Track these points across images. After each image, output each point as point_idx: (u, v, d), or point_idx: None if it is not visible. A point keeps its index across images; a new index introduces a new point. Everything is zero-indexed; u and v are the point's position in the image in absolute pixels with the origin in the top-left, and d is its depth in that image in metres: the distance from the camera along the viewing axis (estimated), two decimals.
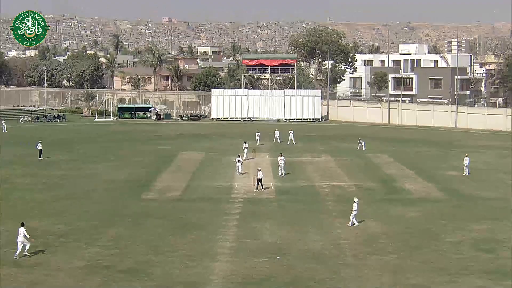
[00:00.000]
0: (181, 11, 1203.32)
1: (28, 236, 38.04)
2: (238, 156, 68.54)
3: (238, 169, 66.20)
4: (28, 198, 54.28)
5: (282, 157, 65.97)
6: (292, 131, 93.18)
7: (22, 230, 38.05)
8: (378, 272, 35.26)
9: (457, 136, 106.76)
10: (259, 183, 57.75)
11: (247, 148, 75.38)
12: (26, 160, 74.91)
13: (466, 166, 66.84)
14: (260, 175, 57.88)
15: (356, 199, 46.37)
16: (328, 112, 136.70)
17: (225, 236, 42.06)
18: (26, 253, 37.68)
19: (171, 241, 40.80)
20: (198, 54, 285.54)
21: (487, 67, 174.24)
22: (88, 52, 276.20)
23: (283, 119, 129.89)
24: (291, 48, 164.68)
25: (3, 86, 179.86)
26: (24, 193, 56.11)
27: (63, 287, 32.78)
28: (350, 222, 45.08)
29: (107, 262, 36.41)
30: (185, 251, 38.61)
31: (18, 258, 37.19)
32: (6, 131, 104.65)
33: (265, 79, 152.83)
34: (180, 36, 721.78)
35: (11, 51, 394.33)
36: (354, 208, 45.32)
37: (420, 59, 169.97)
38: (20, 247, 37.64)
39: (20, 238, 37.85)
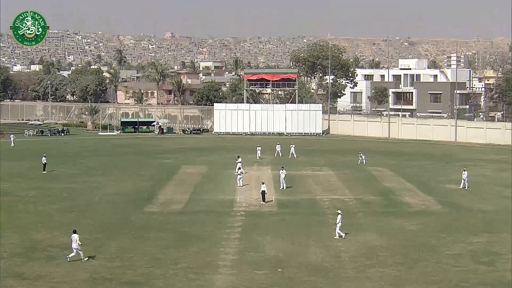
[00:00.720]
0: (183, 26, 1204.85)
1: (80, 243, 38.95)
2: (240, 169, 69.01)
3: (239, 181, 66.48)
4: (32, 210, 54.29)
5: (284, 171, 66.04)
6: (293, 145, 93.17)
7: (75, 237, 39.06)
8: (378, 284, 35.23)
9: (457, 150, 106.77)
10: (263, 195, 57.86)
11: (240, 162, 75.22)
12: (31, 173, 74.98)
13: (465, 179, 66.84)
14: (263, 187, 58.02)
15: (339, 211, 46.50)
16: (329, 126, 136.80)
17: (227, 249, 42.03)
18: (68, 257, 38.82)
19: (173, 254, 40.78)
20: (201, 69, 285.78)
21: (486, 82, 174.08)
22: (92, 67, 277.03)
23: (285, 133, 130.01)
24: (292, 63, 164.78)
25: (8, 100, 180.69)
26: (28, 206, 56.12)
27: None
28: (343, 234, 45.08)
29: (110, 275, 36.40)
30: (187, 264, 38.59)
31: (84, 260, 38.75)
32: (13, 145, 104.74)
33: (267, 93, 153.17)
34: (183, 51, 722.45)
35: (16, 66, 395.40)
36: (338, 220, 45.33)
37: (419, 74, 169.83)
38: (81, 252, 38.91)
39: (75, 245, 38.88)
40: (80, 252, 39.02)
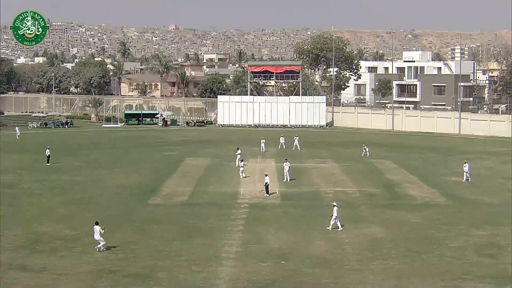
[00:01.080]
0: (187, 18, 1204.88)
1: (103, 231, 39.45)
2: (242, 161, 69.05)
3: (241, 173, 66.57)
4: (36, 203, 54.35)
5: (287, 163, 66.05)
6: (297, 137, 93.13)
7: (97, 228, 39.42)
8: (382, 277, 35.24)
9: (460, 142, 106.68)
10: (267, 188, 57.89)
11: (239, 154, 75.29)
12: (35, 165, 75.05)
13: (466, 172, 66.76)
14: (267, 179, 58.04)
15: (335, 204, 46.57)
16: (332, 119, 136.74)
17: (230, 241, 42.06)
18: (101, 249, 39.42)
19: (177, 246, 40.81)
20: (204, 61, 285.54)
21: (490, 74, 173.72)
22: (95, 59, 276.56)
23: (288, 126, 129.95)
24: (296, 55, 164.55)
25: (11, 92, 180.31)
26: (32, 198, 56.20)
27: None
28: (330, 227, 45.17)
29: (114, 267, 36.44)
30: (191, 256, 38.63)
31: (96, 249, 39.43)
32: (18, 138, 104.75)
33: (271, 85, 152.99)
34: (187, 43, 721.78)
35: (19, 58, 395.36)
36: (335, 214, 45.32)
37: (423, 66, 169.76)
38: (102, 242, 39.40)
39: (97, 236, 39.36)
40: (101, 242, 39.40)
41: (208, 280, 34.43)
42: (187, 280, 34.52)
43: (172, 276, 34.99)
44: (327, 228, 45.15)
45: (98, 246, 39.34)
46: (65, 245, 40.80)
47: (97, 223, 39.84)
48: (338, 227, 45.12)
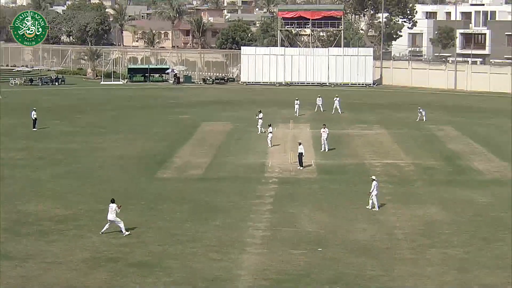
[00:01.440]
0: None
1: (119, 210, 39.75)
2: (270, 126, 68.69)
3: (270, 141, 66.57)
4: (20, 176, 54.73)
5: (326, 129, 65.93)
6: (338, 98, 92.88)
7: (113, 206, 39.85)
8: (441, 268, 35.21)
9: None
10: (300, 159, 57.89)
11: (261, 119, 75.07)
12: (18, 131, 75.44)
13: None
14: (301, 149, 57.99)
15: (374, 177, 46.66)
16: (381, 75, 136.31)
17: (256, 223, 42.23)
18: (126, 233, 39.77)
19: (191, 229, 41.02)
20: (225, 4, 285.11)
21: None
22: (92, 1, 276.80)
23: (327, 84, 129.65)
24: None
25: None
26: (15, 171, 56.55)
27: (61, 284, 32.87)
28: (370, 205, 45.48)
29: (115, 254, 36.65)
30: (208, 241, 38.82)
31: (126, 234, 39.78)
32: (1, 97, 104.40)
33: (306, 35, 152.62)
34: None
35: None
36: (372, 188, 45.42)
37: (495, 11, 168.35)
38: (121, 225, 39.72)
39: (111, 216, 39.74)
40: (119, 224, 39.72)
41: (228, 270, 34.62)
42: (203, 269, 34.69)
43: (185, 265, 35.19)
44: (373, 209, 45.22)
45: (122, 229, 39.66)
46: (55, 227, 41.07)
47: (113, 201, 39.96)
48: (373, 206, 45.30)
